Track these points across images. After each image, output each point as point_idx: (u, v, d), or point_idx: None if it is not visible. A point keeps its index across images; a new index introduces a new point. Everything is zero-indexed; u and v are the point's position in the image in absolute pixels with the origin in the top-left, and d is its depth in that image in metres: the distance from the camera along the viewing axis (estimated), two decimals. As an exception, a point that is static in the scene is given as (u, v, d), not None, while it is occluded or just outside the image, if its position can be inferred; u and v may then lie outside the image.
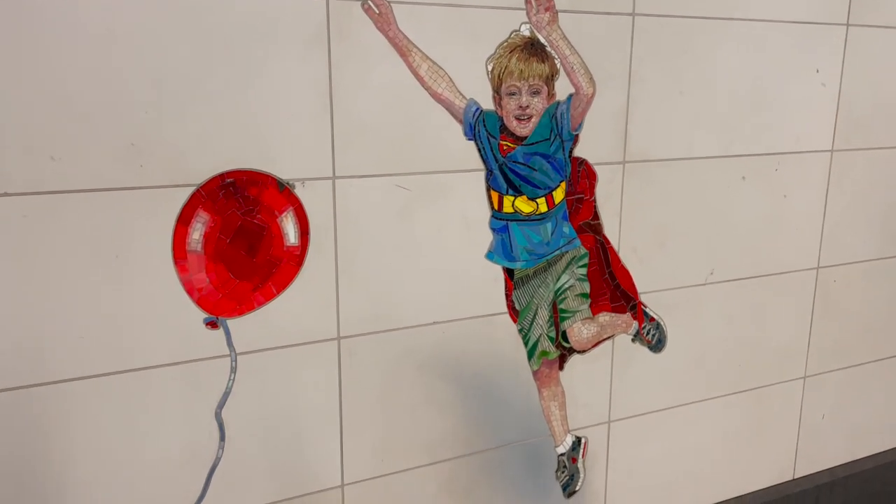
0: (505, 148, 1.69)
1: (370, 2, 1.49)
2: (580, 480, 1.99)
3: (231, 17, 1.37)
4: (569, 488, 1.98)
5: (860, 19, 2.13)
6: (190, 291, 1.44)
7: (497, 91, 1.67)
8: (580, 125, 1.77)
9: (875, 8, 2.14)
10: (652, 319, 2.01)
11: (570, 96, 1.74)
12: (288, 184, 1.49)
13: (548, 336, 1.85)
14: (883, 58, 2.20)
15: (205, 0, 1.34)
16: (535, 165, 1.72)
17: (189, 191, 1.40)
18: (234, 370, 1.51)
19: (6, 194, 1.27)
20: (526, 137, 1.70)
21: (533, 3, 1.65)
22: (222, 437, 1.53)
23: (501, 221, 1.74)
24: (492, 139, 1.68)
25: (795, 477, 2.42)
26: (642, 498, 2.12)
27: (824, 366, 2.37)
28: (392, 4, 1.51)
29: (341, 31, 1.47)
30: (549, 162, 1.74)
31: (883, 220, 2.36)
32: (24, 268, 1.30)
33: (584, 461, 1.98)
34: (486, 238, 1.73)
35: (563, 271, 1.83)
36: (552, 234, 1.79)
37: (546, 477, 1.95)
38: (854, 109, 2.19)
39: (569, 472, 1.97)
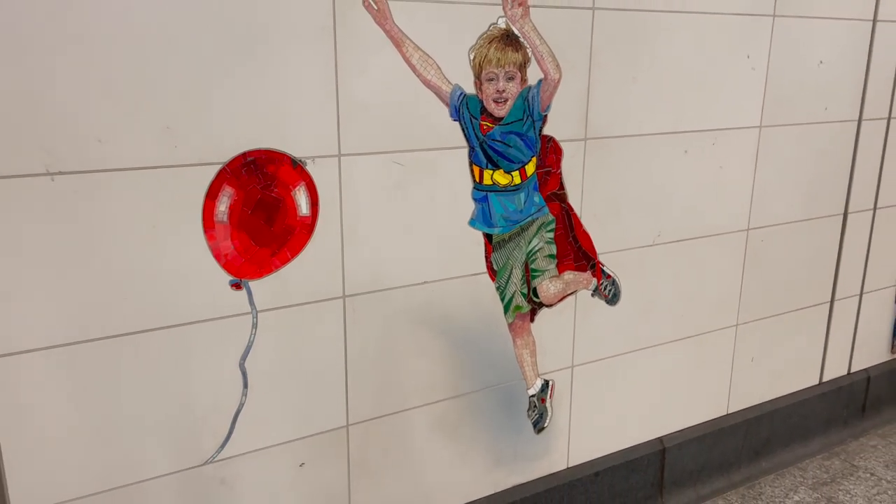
0: (485, 127, 1.93)
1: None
2: (548, 418, 2.28)
3: (250, 13, 1.55)
4: (538, 425, 2.27)
5: (785, 11, 2.43)
6: (217, 257, 1.63)
7: (478, 77, 1.89)
8: (548, 107, 2.02)
9: (798, 1, 2.44)
10: (609, 277, 2.30)
11: (540, 81, 1.98)
12: (300, 161, 1.69)
13: (521, 292, 2.11)
14: (803, 44, 2.52)
15: (229, 0, 1.52)
16: (510, 143, 1.97)
17: (216, 168, 1.59)
18: (255, 326, 1.71)
19: (60, 173, 1.43)
20: (503, 118, 1.94)
21: (508, -1, 1.88)
22: (245, 385, 1.74)
23: (482, 192, 1.98)
24: (474, 120, 1.91)
25: (729, 412, 2.77)
26: (600, 432, 2.43)
27: (753, 315, 2.72)
28: (388, 1, 1.71)
29: (345, 25, 1.67)
30: (522, 139, 1.98)
31: (802, 186, 2.70)
32: (75, 237, 1.47)
33: (551, 401, 2.27)
34: (469, 207, 1.97)
35: (534, 235, 2.09)
36: (525, 203, 2.05)
37: (520, 416, 2.22)
38: (779, 90, 2.51)
39: (538, 410, 2.25)
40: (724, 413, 2.76)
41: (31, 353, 1.48)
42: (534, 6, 1.91)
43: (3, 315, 1.44)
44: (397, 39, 1.75)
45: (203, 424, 1.71)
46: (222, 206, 1.61)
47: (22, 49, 1.35)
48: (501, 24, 1.89)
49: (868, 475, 2.87)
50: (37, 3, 1.35)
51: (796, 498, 2.71)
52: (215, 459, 1.74)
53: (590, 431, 2.40)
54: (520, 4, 1.90)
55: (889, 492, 2.75)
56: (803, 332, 2.93)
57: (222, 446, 1.74)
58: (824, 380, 3.07)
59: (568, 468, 2.38)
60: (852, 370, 3.17)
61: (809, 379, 3.03)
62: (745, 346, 2.74)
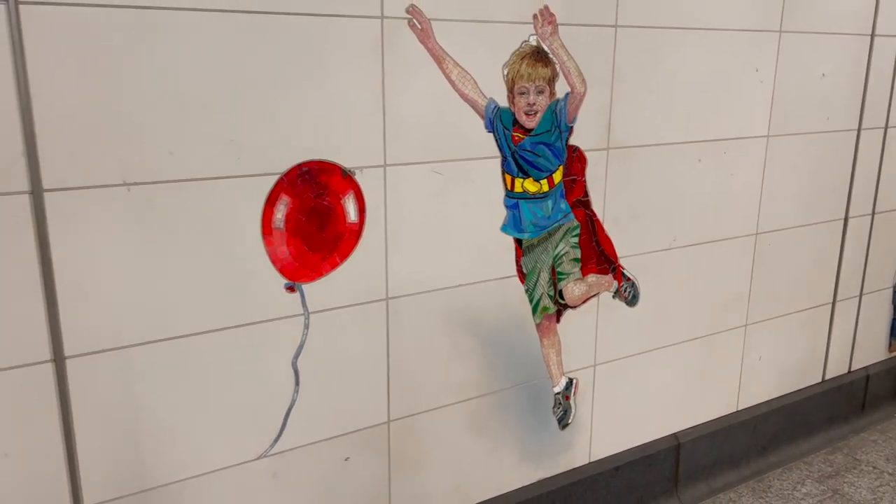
0: (516, 138, 2.05)
1: (415, 19, 1.80)
2: (572, 415, 2.39)
3: (306, 35, 1.66)
4: (563, 421, 2.38)
5: (790, 27, 2.57)
6: (274, 262, 1.73)
7: (510, 91, 2.01)
8: (574, 118, 2.14)
9: (803, 17, 2.59)
10: (628, 279, 2.42)
11: (567, 95, 2.10)
12: (350, 171, 1.79)
13: (548, 294, 2.23)
14: (807, 58, 2.66)
15: (286, 21, 1.63)
16: (539, 153, 2.08)
17: (274, 178, 1.69)
18: (307, 326, 1.82)
19: (136, 183, 1.53)
20: (532, 129, 2.06)
21: (539, 18, 2.00)
22: (297, 383, 1.83)
23: (513, 200, 2.10)
24: (506, 131, 2.03)
25: (738, 409, 2.90)
26: (620, 427, 2.54)
27: (761, 315, 2.85)
28: (431, 21, 1.82)
29: (392, 45, 1.78)
30: (550, 149, 2.10)
31: (806, 192, 2.84)
32: (148, 243, 1.57)
33: (575, 398, 2.38)
34: (501, 214, 2.08)
35: (560, 240, 2.21)
36: (552, 210, 2.16)
37: (545, 412, 2.33)
38: (785, 101, 2.64)
39: (563, 407, 2.37)
40: (735, 410, 2.88)
41: (107, 353, 1.57)
42: (562, 24, 2.03)
43: (83, 317, 1.53)
44: (439, 56, 1.86)
45: (257, 421, 1.80)
46: (279, 214, 1.72)
47: (102, 68, 1.45)
48: (532, 41, 2.01)
49: (870, 468, 3.00)
50: (117, 27, 1.45)
51: (804, 490, 2.84)
52: (269, 454, 1.83)
53: (610, 427, 2.51)
54: (549, 23, 2.02)
55: (891, 483, 2.88)
56: (807, 331, 3.06)
57: (275, 441, 1.84)
58: (826, 378, 3.20)
59: (590, 463, 2.49)
60: (852, 368, 3.30)
61: (813, 377, 3.16)
62: (753, 346, 2.87)
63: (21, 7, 1.37)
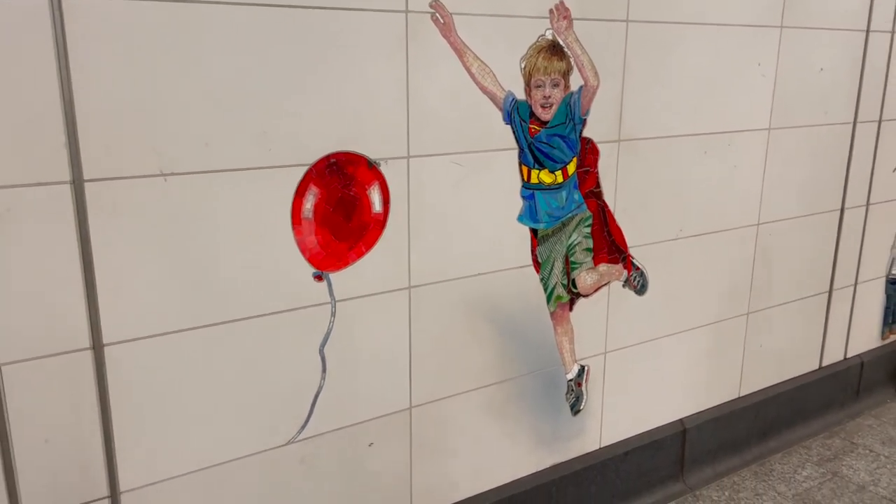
0: (533, 130, 2.10)
1: (437, 14, 1.85)
2: (584, 401, 2.45)
3: (334, 31, 1.70)
4: (575, 407, 2.44)
5: (791, 22, 2.64)
6: (303, 251, 1.77)
7: (527, 84, 2.06)
8: (588, 111, 2.19)
9: (803, 13, 2.66)
10: (638, 269, 2.48)
11: (581, 88, 2.15)
12: (375, 162, 1.84)
13: (562, 283, 2.28)
14: (807, 53, 2.73)
15: (315, 17, 1.67)
16: (554, 144, 2.14)
17: (304, 169, 1.73)
18: (333, 314, 1.86)
19: (172, 174, 1.56)
20: (548, 122, 2.11)
21: (554, 12, 2.05)
22: (324, 370, 1.88)
23: (529, 190, 2.15)
24: (523, 123, 2.08)
25: (741, 395, 2.97)
26: (629, 414, 2.60)
27: (762, 304, 2.93)
28: (453, 15, 1.87)
29: (416, 39, 1.82)
30: (564, 141, 2.16)
31: (805, 184, 2.92)
32: (183, 233, 1.60)
33: (587, 385, 2.44)
34: (517, 204, 2.14)
35: (574, 230, 2.26)
36: (566, 200, 2.22)
37: (558, 398, 2.39)
38: (785, 95, 2.72)
39: (575, 394, 2.42)
40: (737, 396, 2.96)
41: (143, 340, 1.60)
42: (576, 18, 2.08)
43: (121, 305, 1.56)
44: (460, 50, 1.91)
45: (286, 407, 1.84)
46: (308, 204, 1.76)
47: (141, 62, 1.48)
48: (549, 35, 2.06)
49: (867, 451, 3.09)
50: (155, 21, 1.48)
51: (805, 473, 2.92)
52: (296, 440, 1.87)
53: (620, 414, 2.57)
54: (564, 17, 2.07)
55: (888, 466, 2.97)
56: (805, 320, 3.15)
57: (303, 427, 1.87)
58: (823, 365, 3.29)
59: (600, 448, 2.55)
60: (848, 356, 3.39)
61: (810, 364, 3.25)
62: (754, 334, 2.94)
63: (64, 1, 1.39)
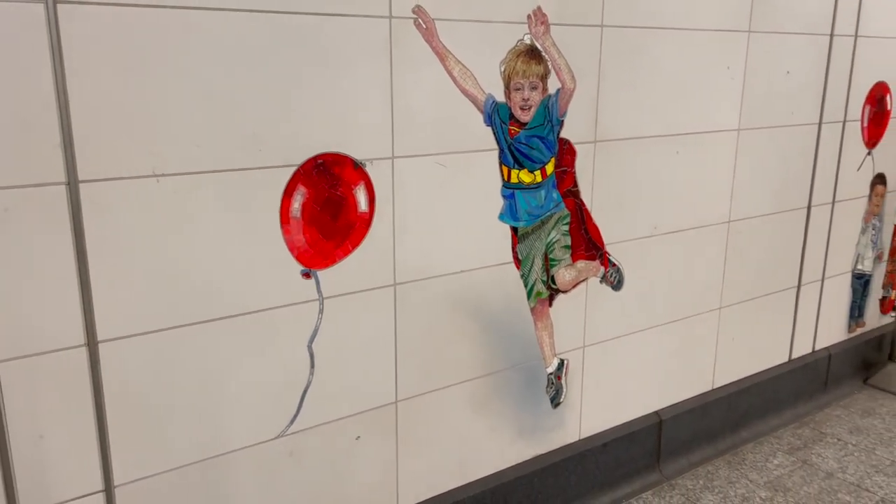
0: (512, 132, 2.17)
1: (420, 19, 1.91)
2: (563, 394, 2.52)
3: (321, 35, 1.75)
4: (555, 400, 2.51)
5: (758, 27, 2.75)
6: (291, 249, 1.83)
7: (507, 87, 2.13)
8: (565, 113, 2.27)
9: (770, 18, 2.77)
10: (614, 265, 2.56)
11: (558, 90, 2.23)
12: (361, 163, 1.89)
13: (542, 280, 2.36)
14: (773, 56, 2.84)
15: (303, 23, 1.72)
16: (533, 145, 2.21)
17: (292, 170, 1.78)
18: (321, 311, 1.91)
19: (164, 174, 1.61)
20: (527, 123, 2.18)
21: (532, 18, 2.13)
22: (312, 366, 1.93)
23: (510, 190, 2.22)
24: (503, 125, 2.15)
25: (714, 387, 3.07)
26: (607, 406, 2.68)
27: (733, 298, 3.03)
28: (435, 21, 1.93)
29: (400, 44, 1.88)
30: (543, 142, 2.23)
31: (773, 182, 3.03)
32: (175, 232, 1.65)
33: (566, 378, 2.52)
34: (498, 203, 2.20)
35: (553, 228, 2.34)
36: (545, 199, 2.29)
37: (539, 392, 2.46)
38: (753, 97, 2.82)
39: (555, 387, 2.50)
40: (711, 388, 3.06)
41: (137, 337, 1.64)
42: (553, 24, 2.16)
43: (115, 302, 1.60)
44: (442, 54, 1.97)
45: (276, 402, 1.89)
46: (296, 204, 1.81)
47: (134, 65, 1.53)
48: (527, 40, 2.13)
49: (836, 440, 3.20)
50: (148, 26, 1.53)
51: (776, 462, 3.03)
52: (286, 433, 1.92)
53: (598, 406, 2.65)
54: (542, 23, 2.14)
55: (855, 453, 3.09)
56: (775, 314, 3.26)
57: (292, 421, 1.92)
58: (793, 357, 3.40)
59: (580, 440, 2.63)
60: (816, 348, 3.51)
61: (780, 356, 3.36)
62: (727, 327, 3.04)
63: (59, 6, 1.44)
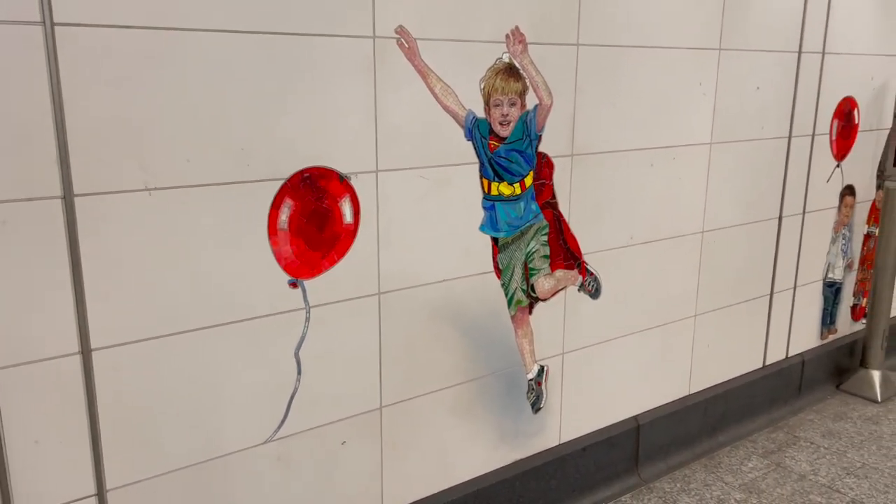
0: (492, 146, 2.25)
1: (402, 39, 2.00)
2: (544, 399, 2.60)
3: (308, 53, 1.83)
4: (536, 406, 2.59)
5: (728, 45, 2.86)
6: (279, 259, 1.89)
7: (487, 103, 2.22)
8: (543, 128, 2.36)
9: (740, 36, 2.88)
10: (592, 274, 2.65)
11: (536, 106, 2.32)
12: (346, 176, 1.97)
13: (521, 288, 2.44)
14: (743, 73, 2.96)
15: (291, 42, 1.80)
16: (512, 159, 2.30)
17: (279, 183, 1.85)
18: (307, 319, 1.97)
19: (156, 188, 1.67)
20: (506, 138, 2.27)
21: (510, 37, 2.22)
22: (299, 372, 1.99)
23: (490, 202, 2.30)
24: (483, 139, 2.23)
25: (690, 392, 3.16)
26: (586, 411, 2.76)
27: (708, 306, 3.13)
28: (417, 40, 2.02)
29: (383, 62, 1.97)
30: (521, 156, 2.32)
31: (745, 194, 3.14)
32: (166, 244, 1.71)
33: (546, 384, 2.60)
34: (479, 215, 2.29)
35: (532, 238, 2.42)
36: (524, 211, 2.38)
37: (520, 397, 2.54)
38: (724, 112, 2.93)
39: (535, 393, 2.58)
40: (687, 393, 3.15)
41: (129, 345, 1.70)
42: (531, 43, 2.25)
43: (108, 312, 1.66)
44: (424, 72, 2.06)
45: (264, 407, 1.95)
46: (283, 216, 1.88)
47: (127, 83, 1.60)
48: (505, 58, 2.22)
49: (808, 444, 3.30)
50: (140, 46, 1.60)
51: (750, 465, 3.12)
52: (273, 439, 1.98)
53: (577, 411, 2.73)
54: (520, 42, 2.24)
55: (827, 456, 3.19)
56: (749, 321, 3.36)
57: (279, 426, 1.98)
58: (767, 363, 3.51)
59: (560, 444, 2.70)
60: (789, 355, 3.62)
61: (754, 362, 3.46)
62: (702, 334, 3.14)
63: (56, 28, 1.50)
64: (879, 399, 3.74)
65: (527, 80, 2.28)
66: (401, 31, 1.99)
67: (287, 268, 1.91)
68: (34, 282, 1.57)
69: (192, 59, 1.67)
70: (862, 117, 3.60)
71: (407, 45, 2.01)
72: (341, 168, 1.96)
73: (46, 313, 1.59)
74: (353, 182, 1.98)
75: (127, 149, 1.63)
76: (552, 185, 2.45)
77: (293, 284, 1.93)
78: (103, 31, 1.56)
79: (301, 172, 1.89)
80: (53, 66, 1.51)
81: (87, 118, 1.57)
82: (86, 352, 1.65)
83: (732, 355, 3.32)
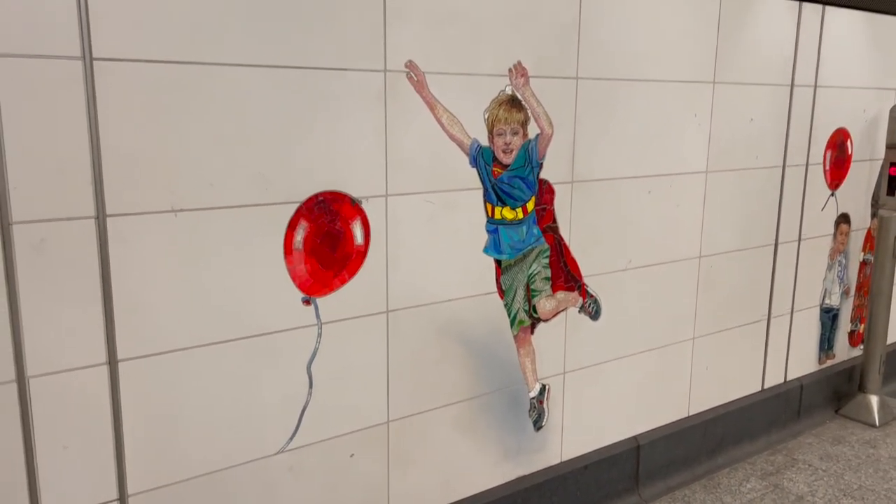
0: (496, 173, 2.38)
1: (412, 73, 2.13)
2: (545, 418, 2.68)
3: (324, 87, 1.97)
4: (537, 424, 2.67)
5: (722, 78, 2.99)
6: (294, 278, 2.01)
7: (490, 132, 2.35)
8: (544, 156, 2.49)
9: (733, 70, 3.02)
10: (592, 296, 2.75)
11: (538, 135, 2.45)
12: (357, 200, 2.09)
13: (524, 309, 2.54)
14: (738, 105, 3.08)
15: (308, 76, 1.93)
16: (515, 185, 2.42)
17: (295, 206, 1.97)
18: (319, 335, 2.08)
19: (182, 210, 1.80)
20: (509, 165, 2.40)
21: (513, 71, 2.35)
22: (311, 386, 2.09)
23: (493, 225, 2.42)
24: (487, 166, 2.36)
25: (690, 414, 3.23)
26: (587, 430, 2.84)
27: (706, 329, 3.22)
28: (425, 74, 2.15)
29: (394, 94, 2.10)
30: (524, 182, 2.44)
31: (741, 220, 3.25)
32: (190, 263, 1.83)
33: (548, 403, 2.68)
34: (483, 238, 2.40)
35: (534, 261, 2.53)
36: (526, 234, 2.49)
37: (522, 415, 2.62)
38: (720, 142, 3.05)
39: (537, 411, 2.66)
40: (686, 415, 3.22)
41: (153, 357, 1.81)
42: (533, 76, 2.39)
43: (135, 325, 1.77)
44: (431, 103, 2.19)
45: (276, 419, 2.05)
46: (299, 237, 2.00)
47: (157, 112, 1.73)
48: (508, 90, 2.36)
49: (807, 466, 3.36)
50: (170, 79, 1.73)
51: (749, 486, 3.18)
52: (286, 449, 2.07)
53: (579, 430, 2.81)
54: (522, 75, 2.37)
55: (824, 478, 3.25)
56: (746, 345, 3.44)
57: (291, 438, 2.08)
58: (765, 387, 3.58)
59: (561, 462, 2.78)
60: (788, 378, 3.69)
61: (753, 386, 3.53)
62: (700, 357, 3.22)
63: (95, 62, 1.64)
64: (877, 423, 3.79)
65: (528, 111, 2.41)
66: (410, 65, 2.12)
67: (301, 286, 2.02)
68: (66, 295, 1.68)
69: (217, 91, 1.81)
70: (855, 148, 3.72)
71: (416, 79, 2.15)
72: (353, 192, 2.08)
73: (77, 325, 1.71)
74: (365, 206, 2.10)
75: (156, 173, 1.75)
76: (553, 210, 2.56)
77: (306, 302, 2.04)
78: (136, 66, 1.69)
79: (316, 196, 2.01)
80: (91, 97, 1.64)
81: (121, 144, 1.70)
82: (112, 363, 1.76)
83: (731, 378, 3.40)
